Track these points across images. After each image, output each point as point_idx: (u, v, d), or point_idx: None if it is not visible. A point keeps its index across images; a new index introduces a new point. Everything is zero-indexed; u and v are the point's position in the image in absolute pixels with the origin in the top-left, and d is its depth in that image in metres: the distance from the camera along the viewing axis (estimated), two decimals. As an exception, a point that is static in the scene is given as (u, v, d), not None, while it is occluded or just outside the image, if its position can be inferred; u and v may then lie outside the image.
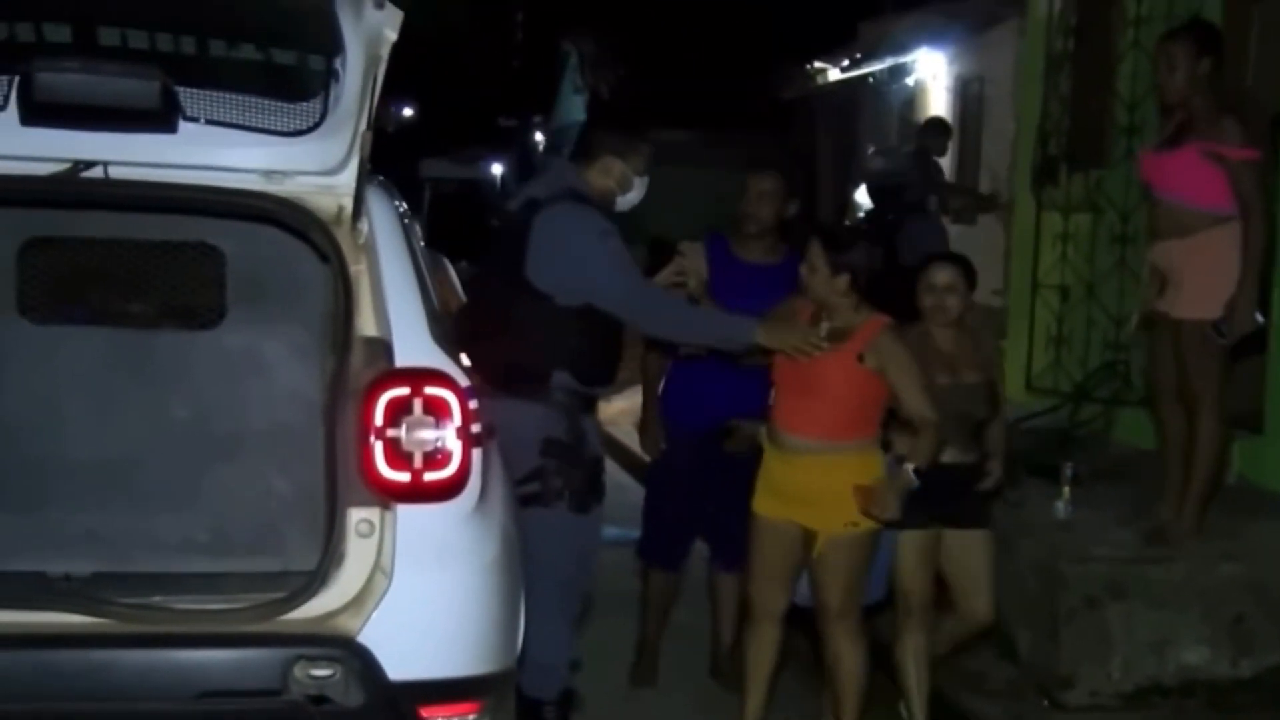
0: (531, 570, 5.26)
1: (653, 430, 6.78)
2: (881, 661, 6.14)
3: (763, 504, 5.84)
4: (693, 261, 5.98)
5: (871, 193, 12.56)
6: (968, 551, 6.08)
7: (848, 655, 5.77)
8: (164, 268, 5.02)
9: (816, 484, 5.65)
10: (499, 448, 4.93)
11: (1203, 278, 6.46)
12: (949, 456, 5.83)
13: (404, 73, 4.25)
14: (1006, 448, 6.85)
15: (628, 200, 5.78)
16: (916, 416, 5.56)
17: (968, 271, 6.18)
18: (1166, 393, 6.79)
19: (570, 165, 5.75)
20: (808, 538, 5.72)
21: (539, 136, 34.44)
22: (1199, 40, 6.60)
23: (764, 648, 5.91)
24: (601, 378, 5.72)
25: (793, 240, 6.52)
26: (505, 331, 5.46)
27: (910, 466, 5.47)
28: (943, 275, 6.11)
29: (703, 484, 6.63)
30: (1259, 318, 6.56)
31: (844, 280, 5.63)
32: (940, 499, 5.76)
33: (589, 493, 5.56)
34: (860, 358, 5.57)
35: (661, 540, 6.75)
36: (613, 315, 5.55)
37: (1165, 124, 6.93)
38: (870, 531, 5.65)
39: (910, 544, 5.90)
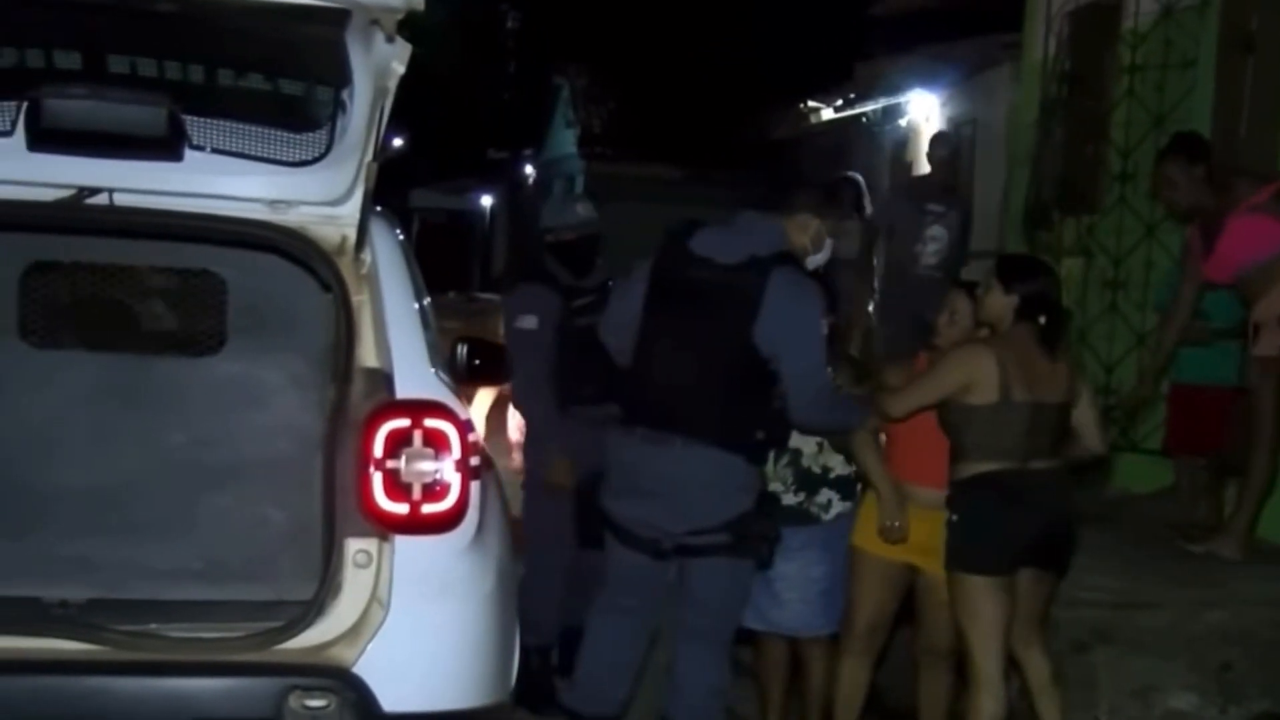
0: (708, 620, 5.60)
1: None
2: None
3: (883, 546, 5.91)
4: None
5: None
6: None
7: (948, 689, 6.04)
8: (166, 295, 5.03)
9: (938, 532, 5.65)
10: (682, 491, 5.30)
11: None
12: None
13: (395, 102, 4.26)
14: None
15: (815, 260, 5.76)
16: None
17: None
18: None
19: (767, 219, 5.70)
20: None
21: (529, 169, 34.60)
22: (1188, 153, 7.06)
23: (864, 682, 6.10)
24: (785, 441, 5.82)
25: None
26: (719, 385, 5.45)
27: None
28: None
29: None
30: None
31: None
32: None
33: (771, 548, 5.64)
34: None
35: None
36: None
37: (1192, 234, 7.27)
38: None
39: None
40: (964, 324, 5.81)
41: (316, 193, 4.35)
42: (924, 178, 11.27)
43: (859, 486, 6.08)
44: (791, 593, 6.00)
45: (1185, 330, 7.35)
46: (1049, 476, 5.55)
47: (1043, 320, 5.53)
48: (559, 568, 6.79)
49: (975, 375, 5.45)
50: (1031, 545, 5.55)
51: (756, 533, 5.53)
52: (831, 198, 6.01)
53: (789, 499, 6.00)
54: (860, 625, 6.04)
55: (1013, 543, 5.50)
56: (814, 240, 5.72)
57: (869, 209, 12.72)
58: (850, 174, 14.23)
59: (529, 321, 6.73)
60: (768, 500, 5.68)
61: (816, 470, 6.01)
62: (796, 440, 6.00)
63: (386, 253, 4.52)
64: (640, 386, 5.61)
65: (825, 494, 6.00)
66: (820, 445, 5.99)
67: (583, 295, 6.74)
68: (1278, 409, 6.92)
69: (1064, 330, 5.73)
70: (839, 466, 6.02)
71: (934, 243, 10.31)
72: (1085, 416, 5.72)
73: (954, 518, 5.53)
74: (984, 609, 5.47)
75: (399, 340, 4.32)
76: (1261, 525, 7.64)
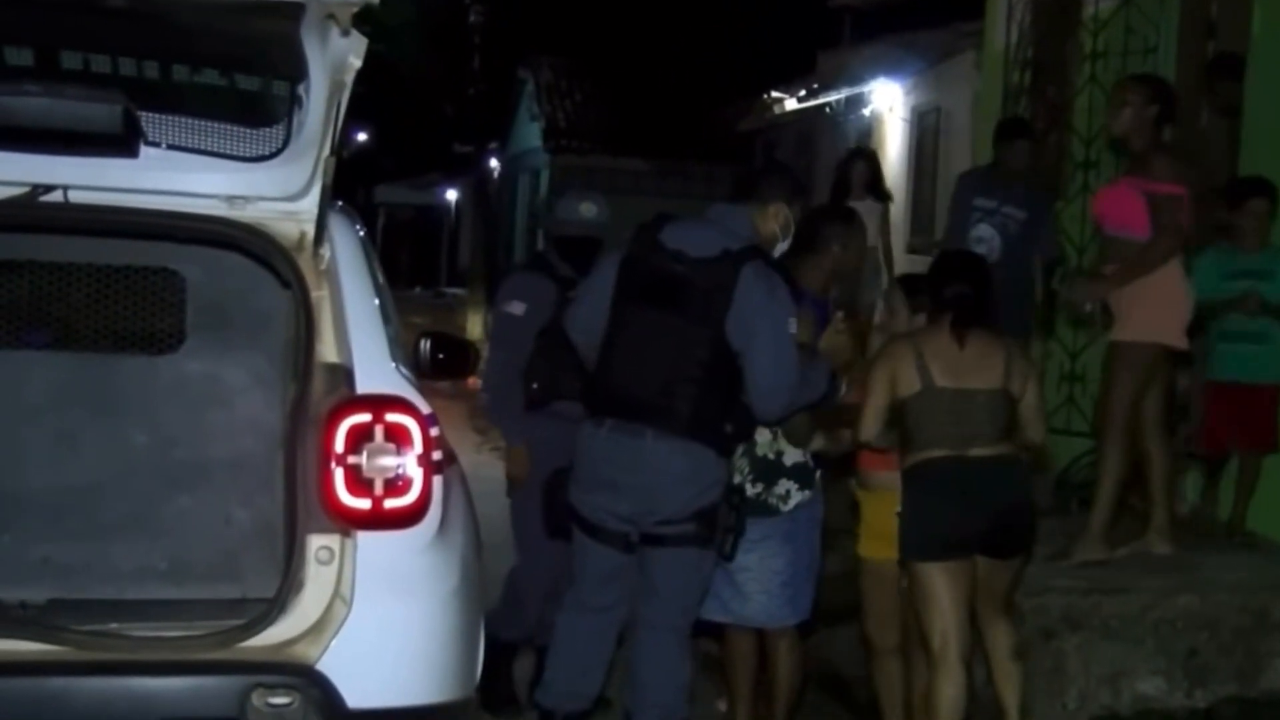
0: (671, 611, 5.57)
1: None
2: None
3: (869, 548, 6.09)
4: None
5: None
6: None
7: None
8: (124, 293, 4.99)
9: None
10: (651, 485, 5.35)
11: (1143, 306, 6.66)
12: None
13: (359, 97, 4.23)
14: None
15: (781, 247, 5.77)
16: None
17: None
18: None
19: (737, 211, 5.72)
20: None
21: (494, 163, 34.56)
22: (1153, 90, 6.94)
23: (892, 679, 6.16)
24: (752, 435, 5.84)
25: None
26: (692, 378, 5.46)
27: None
28: None
29: None
30: (1088, 309, 6.96)
31: (922, 319, 5.95)
32: None
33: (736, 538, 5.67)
34: None
35: None
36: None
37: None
38: None
39: None
40: (901, 319, 6.06)
41: (274, 188, 4.32)
42: (983, 169, 9.60)
43: (818, 474, 6.10)
44: (753, 585, 5.99)
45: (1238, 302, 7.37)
46: (993, 462, 5.61)
47: (953, 311, 5.66)
48: (549, 564, 6.55)
49: (894, 369, 5.65)
50: (980, 531, 5.61)
51: (723, 524, 5.54)
52: (798, 182, 6.03)
53: (748, 489, 5.99)
54: (879, 636, 6.17)
55: (956, 528, 5.58)
56: (783, 228, 5.75)
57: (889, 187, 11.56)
58: (863, 148, 13.28)
59: (516, 307, 6.62)
60: (734, 492, 5.68)
61: (771, 457, 6.00)
62: None
63: (346, 248, 4.50)
64: (611, 378, 5.59)
65: (784, 484, 5.98)
66: (774, 433, 5.98)
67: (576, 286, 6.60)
68: (1126, 400, 6.84)
69: (971, 321, 5.67)
70: (790, 453, 6.02)
71: (980, 245, 8.74)
72: (1028, 407, 5.75)
73: (899, 509, 5.66)
74: (938, 595, 5.56)
75: (359, 335, 4.30)
76: (1223, 510, 7.73)
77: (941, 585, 5.56)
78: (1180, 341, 6.88)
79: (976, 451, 5.58)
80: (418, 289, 35.77)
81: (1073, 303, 6.99)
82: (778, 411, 5.65)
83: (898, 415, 5.69)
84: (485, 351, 6.70)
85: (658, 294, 5.51)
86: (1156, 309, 6.66)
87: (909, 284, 6.29)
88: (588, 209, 6.88)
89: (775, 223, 5.72)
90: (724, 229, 5.61)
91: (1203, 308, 7.18)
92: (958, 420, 5.58)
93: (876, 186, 11.29)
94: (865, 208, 10.49)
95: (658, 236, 5.59)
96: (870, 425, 5.72)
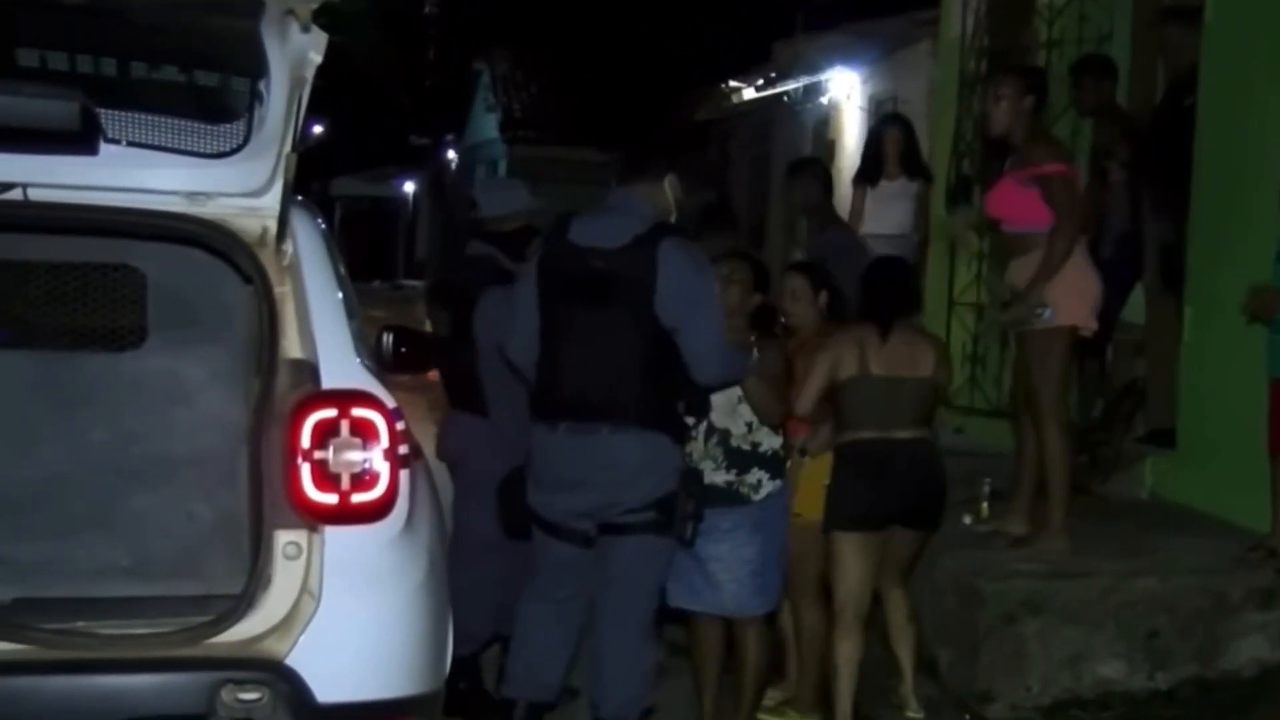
0: (633, 600, 5.62)
1: None
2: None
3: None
4: None
5: None
6: None
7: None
8: (84, 290, 4.97)
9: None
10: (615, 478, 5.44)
11: (1051, 292, 6.69)
12: None
13: (315, 90, 4.23)
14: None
15: (673, 218, 5.83)
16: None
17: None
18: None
19: (635, 191, 5.76)
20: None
21: (451, 155, 34.51)
22: (1026, 80, 7.04)
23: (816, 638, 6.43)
24: (706, 410, 5.96)
25: None
26: (635, 368, 5.50)
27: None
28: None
29: None
30: (1045, 315, 6.74)
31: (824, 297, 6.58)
32: None
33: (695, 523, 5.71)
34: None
35: None
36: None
37: (993, 160, 7.39)
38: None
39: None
40: (806, 300, 6.54)
41: (236, 184, 4.31)
42: None
43: (787, 464, 6.16)
44: (725, 574, 6.03)
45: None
46: (913, 444, 6.20)
47: (874, 309, 6.24)
48: (491, 570, 6.41)
49: (837, 356, 6.16)
50: (898, 506, 6.22)
51: (682, 512, 5.59)
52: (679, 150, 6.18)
53: (720, 476, 6.03)
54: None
55: (876, 504, 6.16)
56: (675, 198, 5.84)
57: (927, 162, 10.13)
58: (896, 114, 11.80)
59: None
60: (691, 479, 5.73)
61: (746, 448, 6.05)
62: (724, 421, 6.04)
63: (308, 243, 4.49)
64: (557, 383, 5.63)
65: (756, 474, 6.04)
66: (750, 425, 6.05)
67: None
68: (1054, 384, 6.84)
69: (888, 317, 6.19)
70: (766, 441, 6.07)
71: None
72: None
73: (827, 481, 6.18)
74: (850, 563, 6.15)
75: (323, 330, 4.29)
76: (1181, 493, 7.79)
77: (853, 555, 6.14)
78: (1089, 324, 6.92)
79: (899, 434, 6.16)
80: (376, 282, 35.72)
81: (1021, 321, 6.89)
82: (719, 373, 5.73)
83: (834, 398, 6.17)
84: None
85: (584, 293, 5.57)
86: (1064, 294, 6.70)
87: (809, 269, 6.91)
88: (525, 197, 6.90)
89: (670, 195, 5.80)
90: (628, 213, 5.67)
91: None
92: (885, 405, 6.14)
93: (912, 161, 9.68)
94: (898, 188, 9.61)
95: (567, 237, 5.66)
96: (806, 401, 6.17)
